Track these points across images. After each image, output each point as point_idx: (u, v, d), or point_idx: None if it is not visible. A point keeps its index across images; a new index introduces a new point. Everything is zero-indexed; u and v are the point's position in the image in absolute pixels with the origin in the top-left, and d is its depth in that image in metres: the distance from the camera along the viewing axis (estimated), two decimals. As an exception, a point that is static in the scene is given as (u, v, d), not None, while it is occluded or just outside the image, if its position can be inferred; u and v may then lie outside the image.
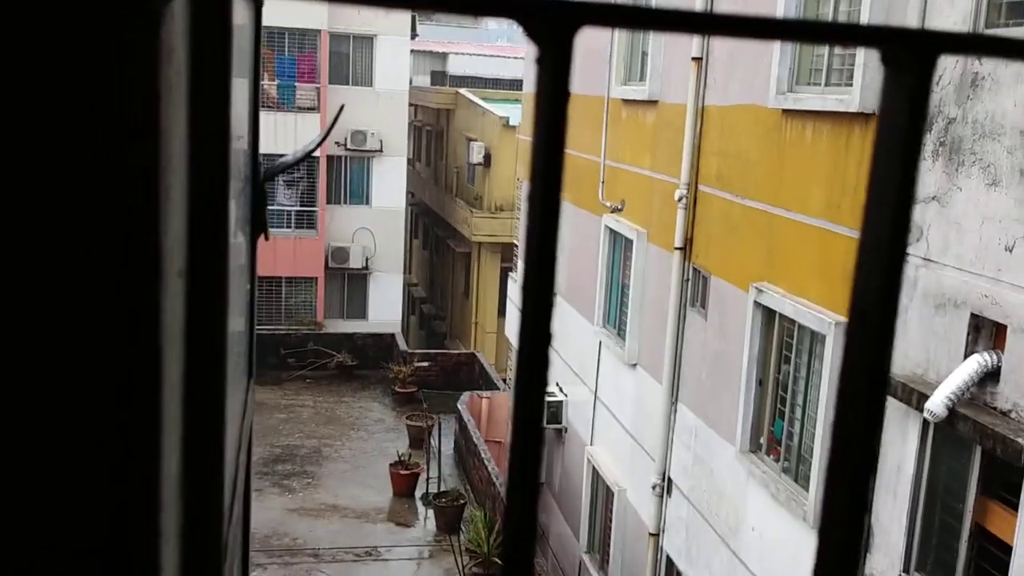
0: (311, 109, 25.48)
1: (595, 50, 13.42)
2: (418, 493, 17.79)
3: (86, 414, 0.54)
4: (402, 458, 18.01)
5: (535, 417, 0.42)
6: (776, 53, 8.63)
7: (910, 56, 0.44)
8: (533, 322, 0.42)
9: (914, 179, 0.45)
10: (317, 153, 25.35)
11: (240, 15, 1.46)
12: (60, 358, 0.52)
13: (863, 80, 7.35)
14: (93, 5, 0.47)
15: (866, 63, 7.32)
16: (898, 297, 0.46)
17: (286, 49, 25.64)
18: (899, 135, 0.44)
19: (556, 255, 0.41)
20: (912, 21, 6.84)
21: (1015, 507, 5.95)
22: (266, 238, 1.80)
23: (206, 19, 0.71)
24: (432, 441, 18.51)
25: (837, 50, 8.11)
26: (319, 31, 25.50)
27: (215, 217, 0.80)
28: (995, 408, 6.09)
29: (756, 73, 9.06)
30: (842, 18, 8.03)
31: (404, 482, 17.75)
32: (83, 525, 0.55)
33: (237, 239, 1.45)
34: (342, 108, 3.86)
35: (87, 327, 0.52)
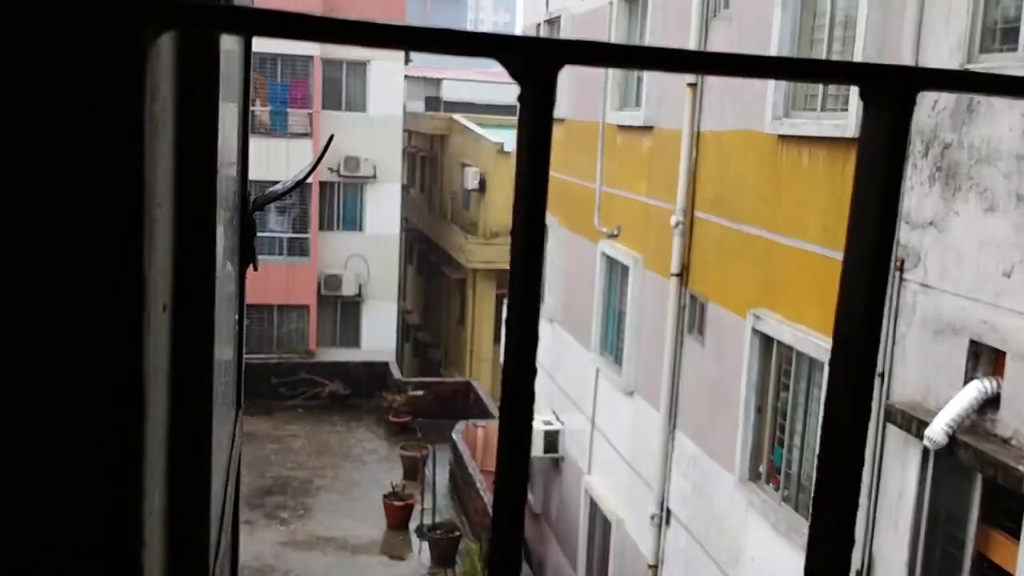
0: (304, 135, 25.51)
1: (590, 76, 13.45)
2: (412, 525, 17.62)
3: (68, 446, 0.53)
4: (396, 489, 17.84)
5: (522, 443, 0.42)
6: (771, 79, 8.63)
7: (889, 93, 0.44)
8: (518, 369, 0.42)
9: (894, 213, 0.45)
10: (310, 180, 25.35)
11: (228, 41, 1.42)
12: (39, 391, 0.52)
13: (859, 105, 7.33)
14: (80, 41, 0.47)
15: (861, 89, 7.32)
16: (880, 326, 0.47)
17: (279, 75, 25.72)
18: (879, 170, 0.44)
19: (540, 290, 0.40)
20: (907, 47, 6.84)
21: (1017, 536, 5.88)
22: (255, 268, 1.75)
23: (194, 55, 0.71)
24: (427, 472, 18.36)
25: (831, 76, 8.11)
26: (312, 57, 25.59)
27: (202, 251, 0.80)
28: (996, 435, 6.03)
29: (751, 98, 9.07)
30: (837, 44, 8.05)
31: (398, 514, 17.58)
32: (66, 559, 0.54)
33: (226, 269, 1.40)
34: (331, 138, 3.83)
35: (69, 360, 0.52)
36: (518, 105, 0.37)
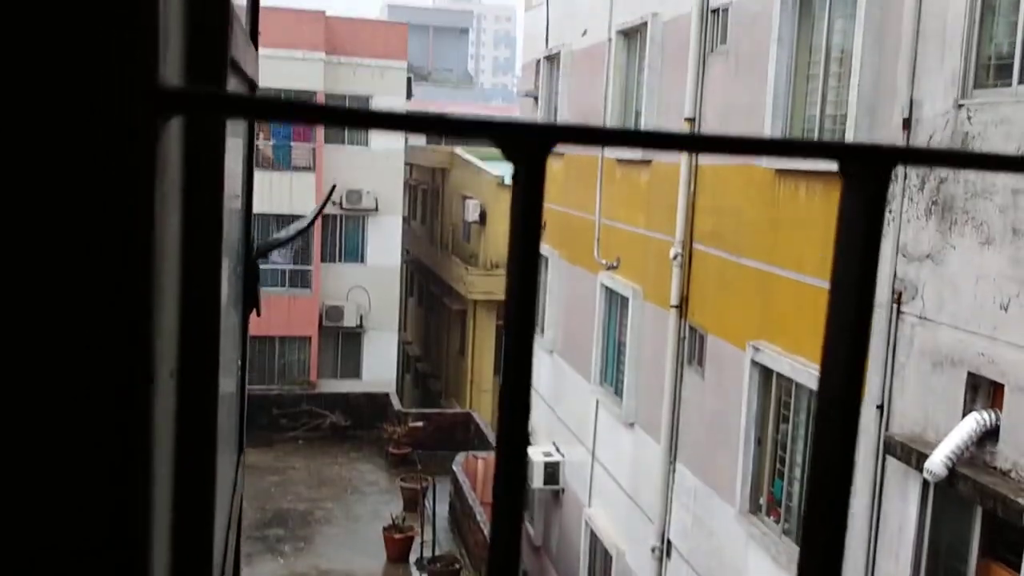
0: (307, 168, 25.66)
1: (589, 109, 13.58)
2: (412, 558, 17.50)
3: (73, 517, 0.54)
4: (396, 521, 17.75)
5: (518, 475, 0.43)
6: (769, 112, 8.73)
7: (865, 169, 0.46)
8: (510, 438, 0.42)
9: (872, 285, 0.47)
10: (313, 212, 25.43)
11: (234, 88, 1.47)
12: (45, 467, 0.53)
13: (855, 138, 7.41)
14: (91, 123, 0.49)
15: (857, 124, 7.40)
16: (860, 392, 0.48)
17: (282, 110, 25.88)
18: (857, 244, 0.47)
19: (531, 366, 0.42)
20: (902, 83, 6.93)
21: (1018, 568, 5.87)
22: (258, 314, 1.78)
23: (201, 131, 0.74)
24: (427, 504, 18.27)
25: (829, 109, 8.21)
26: (315, 92, 25.79)
27: (207, 317, 0.81)
28: (995, 468, 6.03)
29: (749, 132, 9.14)
30: (832, 80, 8.14)
31: (398, 546, 17.48)
32: None
33: (229, 316, 1.43)
34: (334, 188, 3.89)
35: (75, 431, 0.53)
36: (512, 182, 0.40)
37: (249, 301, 1.75)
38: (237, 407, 1.76)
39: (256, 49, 1.77)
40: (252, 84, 1.70)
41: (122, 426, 0.53)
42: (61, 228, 0.51)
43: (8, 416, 0.52)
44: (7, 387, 0.52)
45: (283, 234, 2.60)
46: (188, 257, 0.74)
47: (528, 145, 0.39)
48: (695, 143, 0.45)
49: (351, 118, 0.38)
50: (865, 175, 0.47)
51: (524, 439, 0.42)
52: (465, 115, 0.40)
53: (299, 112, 0.39)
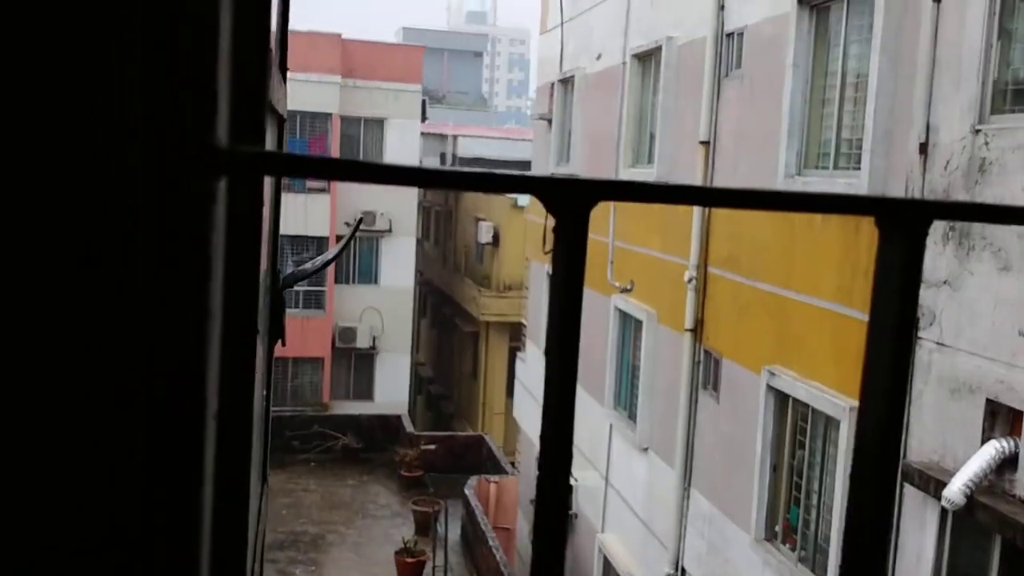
0: (321, 191, 25.79)
1: (603, 133, 13.60)
2: (424, 581, 17.41)
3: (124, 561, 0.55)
4: (408, 545, 17.67)
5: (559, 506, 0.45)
6: (784, 137, 8.72)
7: (903, 222, 0.46)
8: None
9: (910, 338, 0.48)
10: (327, 234, 25.56)
11: (270, 138, 1.47)
12: (98, 509, 0.54)
13: (871, 163, 7.39)
14: (149, 186, 0.51)
15: (874, 149, 7.38)
16: (899, 444, 0.48)
17: (297, 132, 26.08)
18: (895, 297, 0.46)
19: (573, 419, 0.44)
20: (918, 109, 6.91)
21: (1040, 600, 5.78)
22: (283, 344, 1.78)
23: (242, 195, 0.76)
24: (439, 527, 18.19)
25: (844, 134, 8.19)
26: (330, 114, 25.96)
27: (244, 364, 0.82)
28: (1014, 496, 5.96)
29: (764, 156, 9.14)
30: (848, 105, 8.12)
31: (410, 570, 17.39)
32: None
33: (258, 348, 1.44)
34: (361, 220, 3.92)
35: (132, 474, 0.54)
36: (553, 235, 0.40)
37: (275, 332, 1.74)
38: (262, 437, 1.75)
39: (285, 82, 1.78)
40: (281, 119, 1.70)
41: (182, 483, 0.55)
42: (129, 290, 0.52)
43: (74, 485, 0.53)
44: (61, 455, 0.53)
45: (309, 266, 2.61)
46: (229, 309, 0.76)
47: (572, 201, 0.39)
48: (732, 198, 0.44)
49: (395, 175, 0.38)
50: (902, 231, 0.46)
51: (564, 505, 0.41)
52: (508, 172, 0.39)
53: (344, 169, 0.38)
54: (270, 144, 1.42)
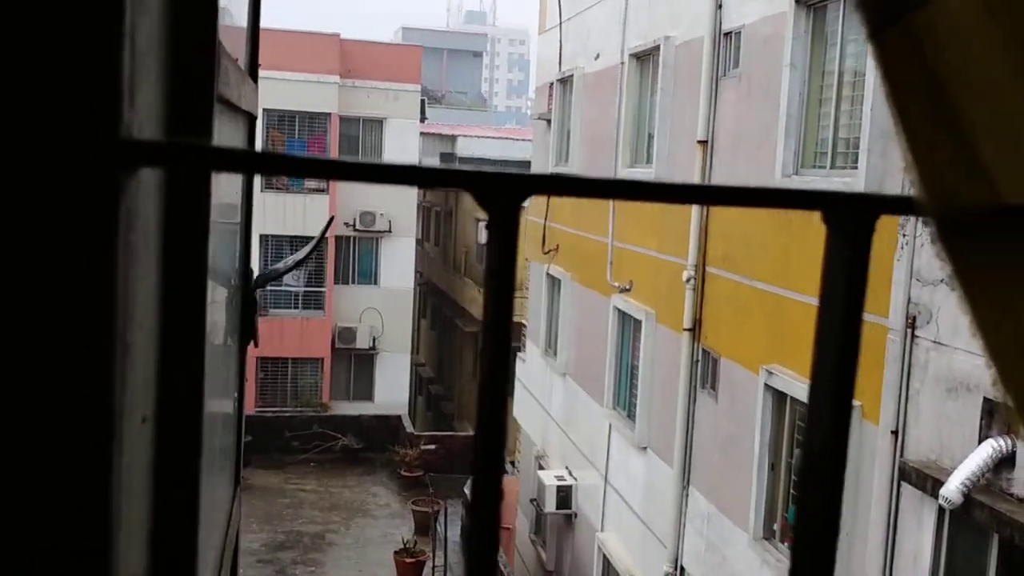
0: (320, 191, 25.78)
1: (602, 133, 13.61)
2: (424, 581, 17.42)
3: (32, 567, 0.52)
4: (407, 545, 17.68)
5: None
6: (781, 136, 8.72)
7: (850, 220, 0.47)
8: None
9: (857, 334, 0.46)
10: (326, 234, 25.53)
11: (231, 135, 1.47)
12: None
13: (868, 162, 7.39)
14: (50, 176, 0.49)
15: (871, 147, 7.38)
16: (847, 442, 0.48)
17: (296, 132, 26.08)
18: (841, 292, 0.46)
19: (505, 409, 0.43)
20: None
21: (1038, 598, 5.78)
22: (255, 345, 1.78)
23: (182, 184, 0.74)
24: (438, 527, 18.20)
25: (842, 133, 8.19)
26: (329, 114, 25.96)
27: (187, 364, 0.80)
28: (1012, 495, 5.97)
29: (761, 156, 9.15)
30: (845, 104, 8.13)
31: (409, 570, 17.39)
32: None
33: (227, 347, 1.43)
34: (331, 219, 3.93)
35: (36, 477, 0.52)
36: (486, 230, 0.40)
37: (247, 333, 1.74)
38: (234, 439, 1.75)
39: (256, 82, 1.77)
40: (251, 118, 1.70)
41: (81, 475, 0.53)
42: (18, 284, 0.50)
43: None
44: None
45: (281, 265, 2.61)
46: (169, 305, 0.74)
47: (502, 195, 0.39)
48: (673, 192, 0.44)
49: (316, 168, 0.37)
50: (849, 225, 0.47)
51: (499, 474, 0.42)
52: (437, 166, 0.40)
53: (263, 163, 0.38)
54: (232, 141, 1.41)
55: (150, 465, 0.74)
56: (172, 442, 0.77)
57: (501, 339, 0.40)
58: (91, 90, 0.49)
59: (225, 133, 1.25)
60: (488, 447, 0.41)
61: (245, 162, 0.38)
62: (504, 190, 0.39)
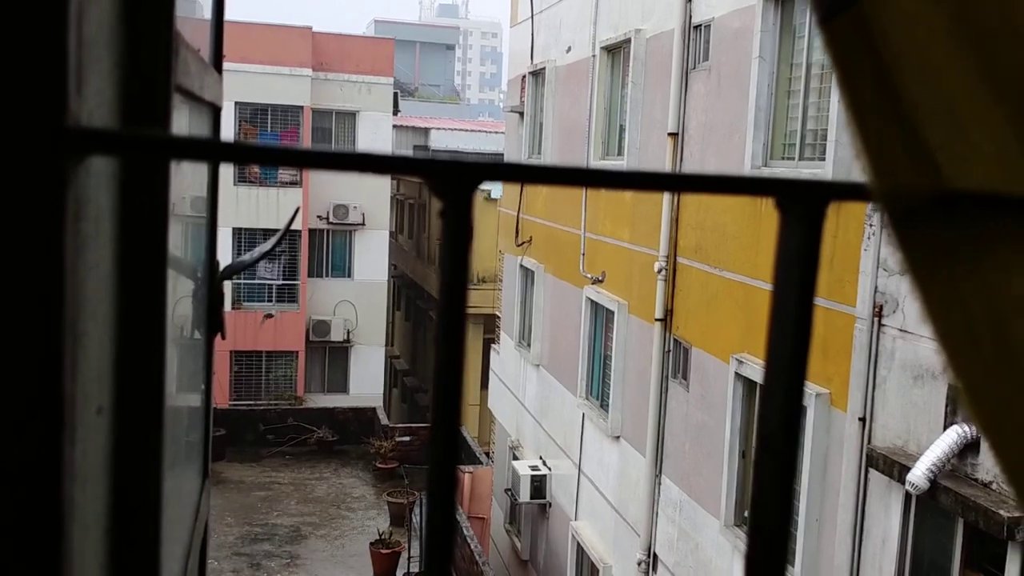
0: (293, 184, 25.65)
1: (574, 125, 13.65)
2: (400, 573, 17.44)
3: None
4: (383, 536, 17.69)
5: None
6: (750, 128, 8.80)
7: (802, 206, 0.47)
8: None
9: (809, 317, 0.47)
10: (299, 227, 25.46)
11: (197, 128, 1.48)
12: None
13: (835, 154, 7.49)
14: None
15: (838, 139, 7.48)
16: (797, 431, 0.48)
17: (269, 125, 25.92)
18: (794, 277, 0.47)
19: (461, 392, 0.43)
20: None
21: (1000, 580, 5.90)
22: (222, 337, 1.80)
23: (136, 174, 0.73)
24: (414, 518, 18.22)
25: (810, 124, 8.29)
26: (302, 107, 25.82)
27: (148, 353, 0.80)
28: (976, 480, 6.08)
29: (731, 148, 9.23)
30: (813, 96, 8.22)
31: (385, 561, 17.42)
32: None
33: (192, 340, 1.44)
34: (297, 210, 3.93)
35: None
36: (439, 218, 0.43)
37: (214, 325, 1.75)
38: (202, 432, 1.76)
39: (220, 72, 1.78)
40: (215, 108, 1.71)
41: (32, 469, 0.52)
42: None
43: None
44: None
45: (247, 257, 2.63)
46: (125, 294, 0.73)
47: (455, 183, 0.41)
48: (623, 179, 0.47)
49: (272, 155, 0.40)
50: (801, 211, 0.47)
51: (455, 460, 0.43)
52: (392, 153, 0.42)
53: (215, 151, 0.40)
54: (195, 132, 1.43)
55: (108, 457, 0.73)
56: (131, 433, 0.77)
57: (455, 325, 0.42)
58: (34, 78, 0.49)
59: (186, 124, 1.26)
60: (445, 435, 0.43)
61: (194, 150, 0.39)
62: (457, 177, 0.41)
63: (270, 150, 0.39)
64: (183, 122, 1.22)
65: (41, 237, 0.50)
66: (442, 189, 0.42)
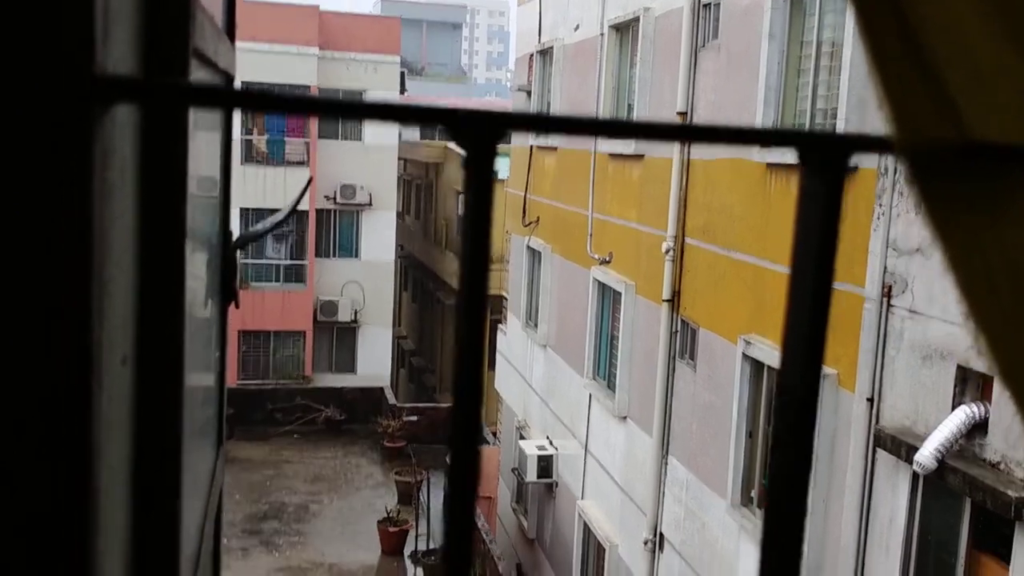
0: (300, 163, 25.63)
1: (582, 104, 13.59)
2: (407, 550, 17.55)
3: (8, 516, 0.53)
4: (391, 514, 17.79)
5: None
6: (760, 107, 8.75)
7: (824, 158, 0.47)
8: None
9: (831, 271, 0.47)
10: (306, 207, 25.45)
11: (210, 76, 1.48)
12: None
13: (846, 131, 7.39)
14: (23, 112, 0.49)
15: (847, 117, 7.43)
16: (817, 386, 0.48)
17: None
18: (816, 230, 0.47)
19: (483, 340, 0.43)
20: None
21: (1007, 560, 5.91)
22: (236, 306, 1.80)
23: (157, 124, 0.73)
24: (421, 497, 18.31)
25: (820, 103, 8.23)
26: (308, 87, 25.75)
27: (167, 304, 0.80)
28: (984, 460, 6.08)
29: (740, 125, 9.16)
30: (823, 74, 8.16)
31: (393, 539, 17.52)
32: None
33: (203, 307, 1.45)
34: (311, 180, 3.92)
35: (14, 420, 0.52)
36: (463, 169, 0.42)
37: (227, 293, 1.76)
38: (216, 401, 1.77)
39: (232, 42, 1.77)
40: (228, 77, 1.71)
41: (60, 415, 0.53)
42: None
43: None
44: None
45: (260, 226, 2.62)
46: (147, 245, 0.74)
47: (479, 132, 0.40)
48: (650, 131, 0.46)
49: (292, 104, 0.39)
50: (823, 163, 0.47)
51: (477, 436, 0.43)
52: (415, 102, 0.41)
53: (237, 99, 0.39)
54: (214, 78, 1.43)
55: (131, 407, 0.74)
56: (152, 384, 0.78)
57: (479, 278, 0.41)
58: (65, 26, 0.50)
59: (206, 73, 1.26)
60: (468, 377, 0.43)
61: (219, 98, 0.39)
62: (481, 126, 0.40)
63: (288, 98, 0.39)
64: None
65: (71, 183, 0.50)
66: (466, 139, 0.41)
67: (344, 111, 0.39)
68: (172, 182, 0.80)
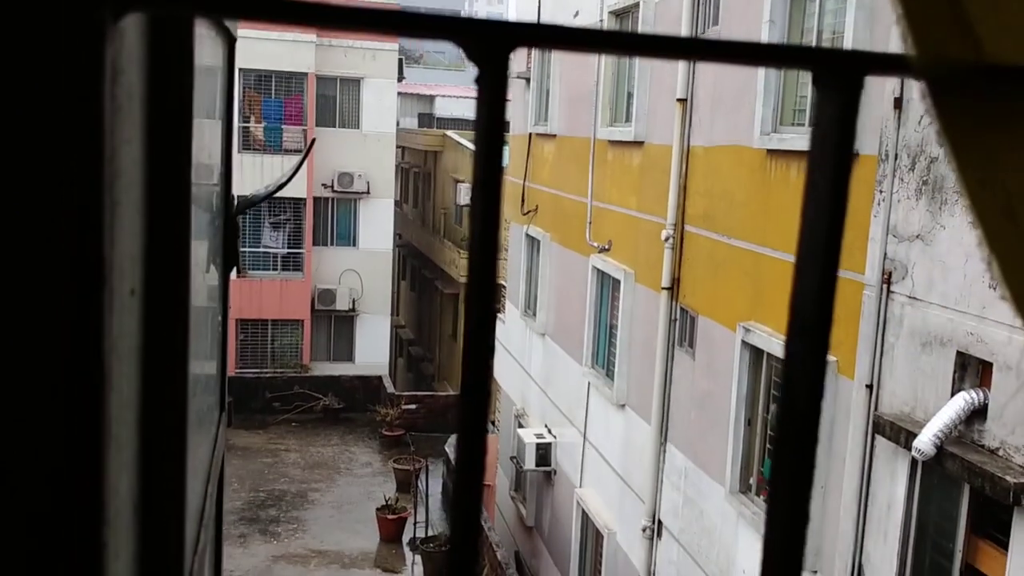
0: (298, 151, 25.56)
1: (582, 93, 13.55)
2: (405, 538, 17.58)
3: (23, 432, 0.53)
4: (389, 502, 17.82)
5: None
6: (760, 94, 8.73)
7: (838, 76, 0.45)
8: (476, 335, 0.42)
9: (845, 196, 0.46)
10: (304, 195, 25.39)
11: (212, 55, 1.47)
12: None
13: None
14: (31, 22, 0.48)
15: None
16: (831, 316, 0.47)
17: (273, 92, 25.79)
18: (830, 152, 0.45)
19: (497, 263, 0.41)
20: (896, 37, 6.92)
21: (1005, 546, 5.92)
22: (239, 272, 1.79)
23: (165, 42, 0.72)
24: (420, 485, 18.34)
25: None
26: (306, 74, 25.67)
27: (175, 237, 0.80)
28: (983, 446, 6.08)
29: (740, 114, 9.15)
30: (827, 32, 8.13)
31: (391, 527, 17.55)
32: (21, 541, 0.54)
33: (209, 272, 1.44)
34: (313, 141, 3.90)
35: (25, 337, 0.52)
36: (476, 84, 0.40)
37: (230, 258, 1.75)
38: (219, 364, 1.76)
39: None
40: (231, 39, 1.69)
41: (73, 335, 0.53)
42: (6, 132, 0.49)
43: None
44: None
45: (262, 191, 2.61)
46: (153, 167, 0.73)
47: (492, 45, 0.39)
48: (662, 45, 0.44)
49: (300, 12, 0.38)
50: (839, 81, 0.46)
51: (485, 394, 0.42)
52: (425, 11, 0.40)
53: (241, 5, 0.38)
54: (213, 60, 1.41)
55: (139, 340, 0.74)
56: (162, 311, 0.77)
57: (491, 201, 0.40)
58: None
59: (206, 50, 1.24)
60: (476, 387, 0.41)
61: (225, 5, 0.38)
62: (494, 39, 0.39)
63: (308, 7, 0.38)
64: (203, 46, 1.20)
65: (83, 92, 0.49)
66: (478, 52, 0.39)
67: (350, 20, 0.38)
68: (179, 106, 0.78)
